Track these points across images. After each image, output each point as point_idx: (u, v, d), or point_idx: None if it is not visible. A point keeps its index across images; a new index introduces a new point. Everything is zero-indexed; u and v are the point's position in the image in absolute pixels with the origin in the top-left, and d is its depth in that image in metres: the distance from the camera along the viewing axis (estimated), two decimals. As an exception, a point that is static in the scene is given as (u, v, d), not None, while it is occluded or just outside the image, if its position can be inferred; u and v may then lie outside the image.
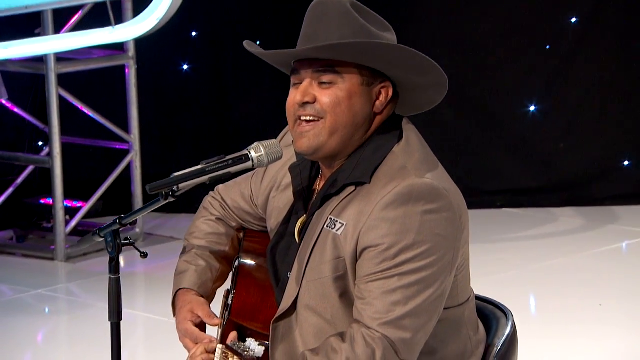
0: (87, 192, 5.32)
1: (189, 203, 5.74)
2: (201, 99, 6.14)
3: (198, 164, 2.20)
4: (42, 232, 4.99)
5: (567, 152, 5.99)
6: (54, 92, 5.02)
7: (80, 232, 4.97)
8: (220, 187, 2.56)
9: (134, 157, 5.36)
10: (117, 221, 2.21)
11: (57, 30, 5.21)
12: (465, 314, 2.31)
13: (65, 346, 4.18)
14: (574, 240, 5.33)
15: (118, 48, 5.44)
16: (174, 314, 2.47)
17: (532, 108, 5.95)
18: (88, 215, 5.19)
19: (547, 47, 5.96)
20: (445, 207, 2.18)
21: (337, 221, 2.21)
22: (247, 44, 2.30)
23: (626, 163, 5.67)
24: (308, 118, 2.22)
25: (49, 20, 5.10)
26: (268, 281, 2.39)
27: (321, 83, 2.22)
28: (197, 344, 2.35)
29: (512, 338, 2.38)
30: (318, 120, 2.21)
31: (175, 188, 2.19)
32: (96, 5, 5.07)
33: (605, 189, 5.90)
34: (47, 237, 4.94)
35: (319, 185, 2.34)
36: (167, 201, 2.20)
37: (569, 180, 5.76)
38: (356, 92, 2.23)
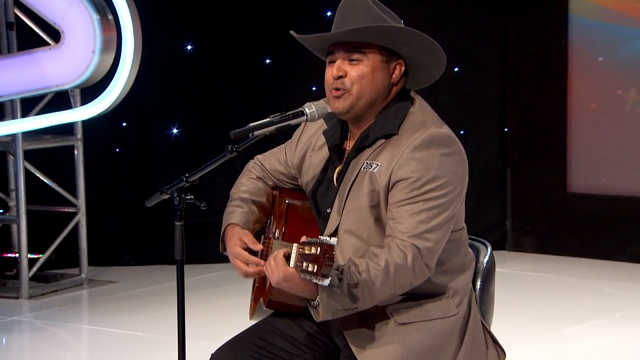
0: (39, 246, 5.68)
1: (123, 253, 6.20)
2: (131, 175, 6.52)
3: (267, 117, 2.58)
4: (3, 280, 5.57)
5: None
6: (21, 165, 5.48)
7: (38, 278, 5.58)
8: (259, 156, 2.90)
9: (81, 218, 5.80)
10: (184, 179, 2.55)
11: (24, 113, 5.59)
12: (463, 236, 2.62)
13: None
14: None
15: (69, 132, 5.89)
16: (223, 248, 2.74)
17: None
18: (44, 265, 5.63)
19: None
20: (457, 151, 2.53)
21: (372, 163, 2.55)
22: (292, 33, 2.65)
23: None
24: (339, 87, 2.54)
25: (18, 106, 5.53)
26: (311, 216, 2.71)
27: (351, 60, 2.54)
28: (247, 264, 2.63)
29: (491, 261, 2.77)
30: (347, 90, 2.55)
31: (235, 146, 2.51)
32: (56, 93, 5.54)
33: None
34: (8, 284, 5.51)
35: (349, 143, 2.66)
36: (232, 155, 2.55)
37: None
38: (378, 67, 2.57)
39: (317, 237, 2.29)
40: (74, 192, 5.84)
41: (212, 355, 2.68)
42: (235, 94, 6.79)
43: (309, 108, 2.55)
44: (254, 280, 2.86)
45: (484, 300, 2.74)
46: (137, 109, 6.30)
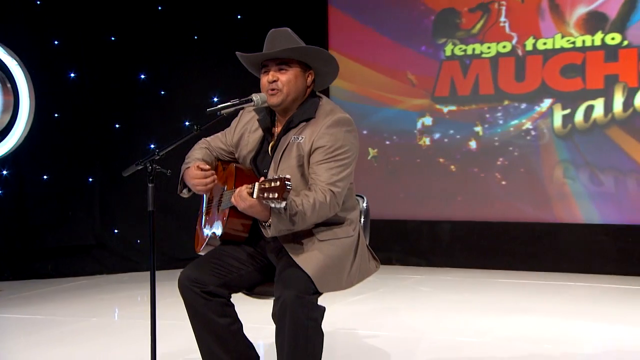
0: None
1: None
2: (9, 209, 6.92)
3: (228, 102, 2.94)
4: None
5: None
6: None
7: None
8: (205, 138, 3.24)
9: None
10: (155, 152, 2.89)
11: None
12: (353, 188, 3.07)
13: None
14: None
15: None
16: (181, 190, 3.11)
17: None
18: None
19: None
20: (354, 129, 2.97)
21: (299, 137, 2.96)
22: (239, 55, 3.03)
23: None
24: (274, 88, 2.94)
25: None
26: (252, 174, 3.08)
27: (280, 70, 2.96)
28: (202, 170, 2.99)
29: (367, 205, 3.32)
30: (280, 90, 2.95)
31: (199, 126, 2.88)
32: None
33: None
34: None
35: (277, 127, 3.06)
36: (196, 132, 2.92)
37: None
38: (298, 75, 2.99)
39: (274, 176, 2.68)
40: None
41: (181, 273, 3.04)
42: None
43: (255, 97, 3.00)
44: (201, 223, 3.25)
45: (365, 229, 3.29)
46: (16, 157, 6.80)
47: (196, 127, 2.91)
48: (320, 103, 3.00)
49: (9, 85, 5.97)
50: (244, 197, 2.71)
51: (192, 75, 7.63)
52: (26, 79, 5.93)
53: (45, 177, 7.17)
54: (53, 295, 6.31)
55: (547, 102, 7.19)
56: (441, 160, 7.61)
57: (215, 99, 7.56)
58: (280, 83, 2.95)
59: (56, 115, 7.11)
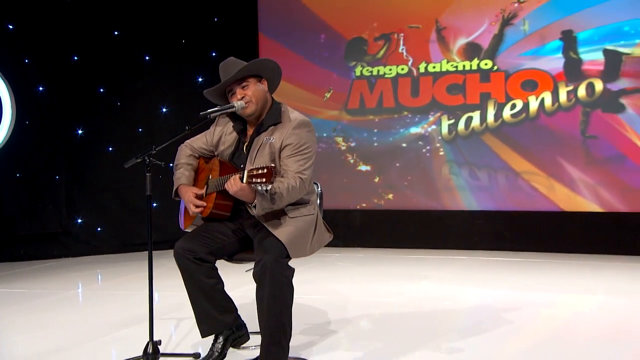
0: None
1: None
2: None
3: (216, 106, 3.02)
4: None
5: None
6: None
7: None
8: (188, 140, 3.30)
9: None
10: (152, 148, 2.99)
11: None
12: (312, 175, 3.08)
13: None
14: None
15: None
16: (175, 195, 3.16)
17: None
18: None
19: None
20: (312, 129, 3.05)
21: (270, 138, 3.01)
22: (205, 92, 3.07)
23: None
24: (246, 101, 3.02)
25: None
26: (233, 167, 3.12)
27: (242, 87, 3.04)
28: (197, 198, 3.06)
29: (322, 190, 3.35)
30: (250, 101, 3.02)
31: (189, 127, 2.95)
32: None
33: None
34: None
35: (249, 130, 3.12)
36: (187, 132, 3.00)
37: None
38: (256, 85, 3.05)
39: (260, 165, 2.75)
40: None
41: (176, 244, 3.04)
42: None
43: (236, 104, 3.05)
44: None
45: (320, 207, 3.36)
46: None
47: (188, 128, 3.00)
48: (282, 110, 3.08)
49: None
50: (236, 182, 2.79)
51: (144, 89, 7.65)
52: (9, 92, 5.94)
53: (18, 174, 7.13)
54: (26, 275, 6.28)
55: (436, 114, 7.34)
56: (351, 160, 7.65)
57: (164, 109, 7.60)
58: (248, 96, 3.03)
59: (27, 122, 7.07)
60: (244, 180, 2.69)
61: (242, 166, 3.02)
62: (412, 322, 4.16)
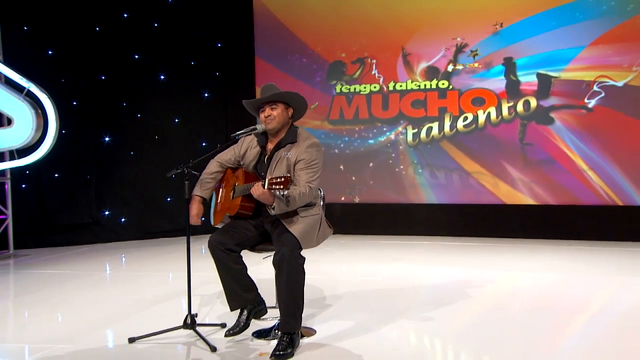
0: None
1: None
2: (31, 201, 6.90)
3: (242, 130, 3.04)
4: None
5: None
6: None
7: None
8: (218, 155, 3.31)
9: (9, 221, 6.39)
10: (190, 161, 3.01)
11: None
12: (318, 185, 3.11)
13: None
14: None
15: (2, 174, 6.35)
16: (189, 195, 3.13)
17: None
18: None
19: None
20: (321, 149, 3.09)
21: (287, 154, 3.04)
22: (245, 102, 3.09)
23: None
24: (270, 119, 3.06)
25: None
26: (255, 176, 3.17)
27: (271, 108, 3.08)
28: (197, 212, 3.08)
29: (324, 195, 3.33)
30: (273, 119, 3.05)
31: (220, 145, 3.10)
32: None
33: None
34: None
35: (270, 145, 3.15)
36: (219, 148, 3.10)
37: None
38: (283, 111, 3.10)
39: (279, 175, 2.80)
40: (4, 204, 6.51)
41: (210, 237, 3.07)
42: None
43: (259, 126, 3.12)
44: (216, 205, 3.27)
45: (323, 208, 3.34)
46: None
47: (219, 145, 3.12)
48: (298, 132, 3.14)
49: (40, 112, 5.96)
50: (259, 188, 2.87)
51: (159, 103, 7.67)
52: (53, 107, 5.94)
53: (56, 175, 7.17)
54: (66, 258, 6.24)
55: (402, 124, 7.39)
56: (333, 161, 7.67)
57: (176, 120, 7.62)
58: (272, 115, 3.12)
59: (63, 131, 7.05)
60: (266, 187, 2.77)
61: (263, 174, 3.07)
62: (390, 296, 4.26)
